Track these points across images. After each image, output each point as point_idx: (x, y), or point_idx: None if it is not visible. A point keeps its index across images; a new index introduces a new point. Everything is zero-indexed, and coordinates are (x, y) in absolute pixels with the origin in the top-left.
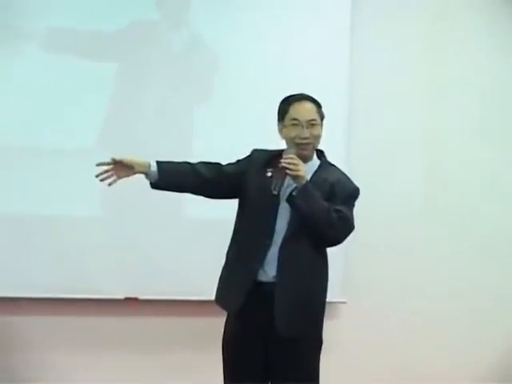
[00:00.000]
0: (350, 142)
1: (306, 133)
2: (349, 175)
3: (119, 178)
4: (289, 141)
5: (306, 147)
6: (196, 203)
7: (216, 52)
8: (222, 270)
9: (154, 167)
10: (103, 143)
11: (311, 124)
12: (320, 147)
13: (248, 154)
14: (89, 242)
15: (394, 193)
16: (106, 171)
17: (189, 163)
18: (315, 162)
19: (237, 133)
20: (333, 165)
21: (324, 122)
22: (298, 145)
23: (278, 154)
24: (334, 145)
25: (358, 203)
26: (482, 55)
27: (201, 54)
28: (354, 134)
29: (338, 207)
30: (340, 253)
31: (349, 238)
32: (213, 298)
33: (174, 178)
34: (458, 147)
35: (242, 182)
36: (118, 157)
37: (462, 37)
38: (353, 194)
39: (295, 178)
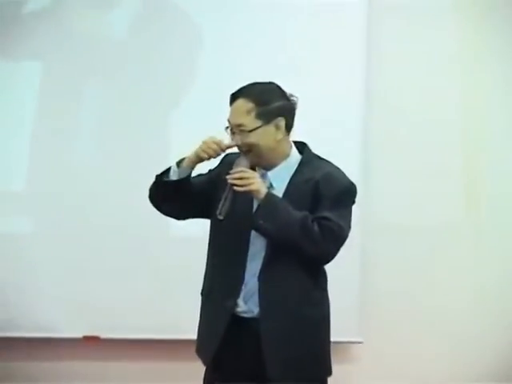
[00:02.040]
0: (366, 152)
1: (236, 140)
2: (367, 193)
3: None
4: None
5: (245, 155)
6: (170, 221)
7: (199, 27)
8: (199, 314)
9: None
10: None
11: (240, 130)
12: (333, 154)
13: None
14: (38, 268)
15: (422, 213)
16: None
17: None
18: (294, 159)
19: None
20: (321, 158)
21: (280, 120)
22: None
23: None
24: (348, 155)
25: (374, 226)
26: None
27: (179, 32)
28: (372, 144)
29: (324, 213)
30: (355, 286)
31: (365, 268)
32: (191, 336)
33: (186, 187)
34: (505, 155)
35: (211, 197)
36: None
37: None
38: (344, 192)
39: (248, 194)
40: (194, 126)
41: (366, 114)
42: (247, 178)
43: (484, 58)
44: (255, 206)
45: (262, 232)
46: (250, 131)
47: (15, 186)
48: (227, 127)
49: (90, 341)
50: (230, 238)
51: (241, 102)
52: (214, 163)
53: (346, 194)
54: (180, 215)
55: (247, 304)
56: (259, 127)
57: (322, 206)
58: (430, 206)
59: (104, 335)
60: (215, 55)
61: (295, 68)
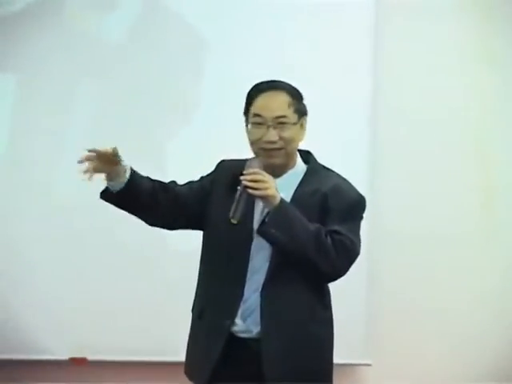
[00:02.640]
0: (374, 160)
1: (273, 135)
2: (375, 204)
3: (95, 171)
4: (252, 145)
5: (274, 154)
6: (163, 232)
7: (199, 29)
8: (189, 333)
9: (127, 173)
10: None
11: (279, 122)
12: (339, 159)
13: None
14: (21, 285)
15: (432, 228)
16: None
17: (150, 179)
18: (300, 168)
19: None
20: (327, 169)
21: (306, 119)
22: (263, 150)
23: None
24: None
25: (381, 237)
26: None
27: (178, 39)
28: (379, 148)
29: (335, 227)
30: (361, 304)
31: (372, 286)
32: (183, 358)
33: (140, 195)
34: None
35: (204, 206)
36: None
37: None
38: (353, 206)
39: (262, 198)
40: (194, 128)
41: (373, 114)
42: (263, 182)
43: (494, 57)
44: (256, 212)
45: (272, 241)
46: (289, 125)
47: None
48: (256, 122)
49: (77, 363)
50: (228, 249)
51: (280, 94)
52: (207, 169)
53: (355, 207)
54: (168, 225)
55: (246, 322)
56: (296, 123)
57: (330, 219)
58: (440, 213)
59: (92, 357)
60: (216, 57)
61: (299, 69)
